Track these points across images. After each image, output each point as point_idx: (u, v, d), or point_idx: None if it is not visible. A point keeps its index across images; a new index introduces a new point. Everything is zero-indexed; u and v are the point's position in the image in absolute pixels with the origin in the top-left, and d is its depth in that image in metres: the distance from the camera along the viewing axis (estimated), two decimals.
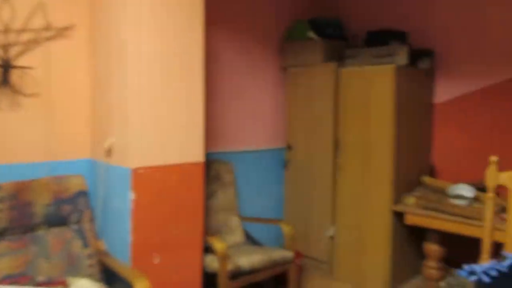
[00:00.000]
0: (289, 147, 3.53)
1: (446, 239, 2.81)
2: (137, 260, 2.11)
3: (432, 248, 2.82)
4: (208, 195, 2.91)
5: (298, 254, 3.02)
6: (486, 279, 1.40)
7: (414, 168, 3.12)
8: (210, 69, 3.02)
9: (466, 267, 1.47)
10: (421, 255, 3.23)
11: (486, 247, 1.74)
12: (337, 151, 3.20)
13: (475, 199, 2.73)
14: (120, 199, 2.17)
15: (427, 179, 3.09)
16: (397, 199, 2.93)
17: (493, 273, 1.41)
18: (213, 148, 3.11)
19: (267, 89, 3.51)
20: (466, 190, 2.78)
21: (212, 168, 2.99)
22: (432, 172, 3.22)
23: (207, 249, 2.52)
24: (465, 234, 2.61)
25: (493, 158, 1.73)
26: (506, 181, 1.70)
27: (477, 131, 3.06)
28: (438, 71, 3.24)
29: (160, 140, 2.20)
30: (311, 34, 3.35)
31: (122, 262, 2.11)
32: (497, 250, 2.79)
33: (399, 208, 2.88)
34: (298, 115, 3.46)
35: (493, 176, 1.73)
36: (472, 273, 1.42)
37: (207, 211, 2.83)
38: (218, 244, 2.43)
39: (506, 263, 1.46)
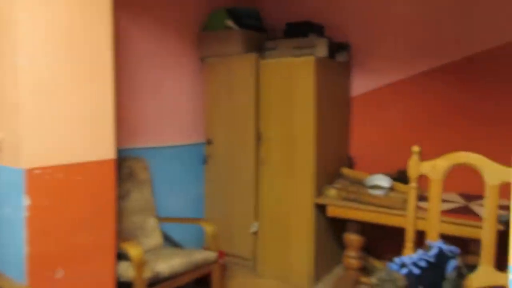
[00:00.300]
0: (208, 142, 3.37)
1: (366, 228, 2.87)
2: (35, 276, 1.80)
3: (352, 238, 2.86)
4: (121, 196, 2.63)
5: (221, 254, 2.88)
6: (416, 271, 1.38)
7: (334, 160, 3.16)
8: (121, 59, 2.73)
9: (396, 259, 1.44)
10: (342, 246, 3.29)
11: (409, 236, 1.75)
12: (259, 145, 3.11)
13: (391, 189, 2.81)
14: (11, 205, 1.83)
15: (346, 171, 3.14)
16: (319, 192, 2.92)
17: (422, 264, 1.40)
18: (127, 144, 2.83)
19: (185, 81, 3.30)
20: (382, 180, 2.87)
21: (125, 165, 2.72)
22: (350, 164, 3.29)
23: (121, 256, 2.27)
24: (382, 223, 2.68)
25: (415, 148, 1.75)
26: (427, 170, 1.72)
27: (390, 123, 3.18)
28: (354, 65, 3.31)
29: (61, 136, 1.90)
30: (230, 23, 3.21)
31: (15, 281, 1.78)
32: (416, 238, 2.94)
33: (321, 200, 2.88)
34: (218, 108, 3.30)
35: (416, 166, 1.74)
36: (402, 265, 1.40)
37: (120, 214, 2.56)
38: (133, 250, 2.20)
39: (432, 252, 1.46)
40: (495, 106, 2.78)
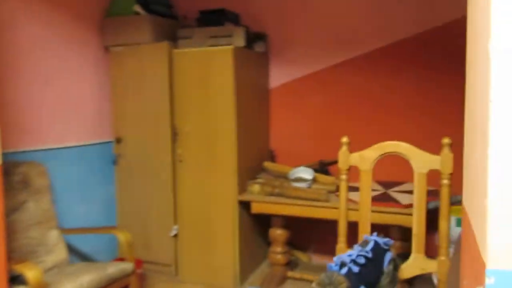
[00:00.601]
0: (118, 140, 3.04)
1: (289, 222, 2.81)
2: None
3: (277, 233, 2.78)
4: (14, 208, 2.23)
5: (138, 263, 2.61)
6: (355, 269, 1.30)
7: (256, 154, 3.04)
8: (4, 46, 2.31)
9: (335, 259, 1.35)
10: (267, 241, 3.20)
11: (342, 229, 1.69)
12: (175, 141, 2.87)
13: (314, 180, 2.78)
14: None
15: (268, 165, 3.04)
16: (242, 188, 2.79)
17: (361, 261, 1.33)
18: (17, 146, 2.41)
19: (87, 72, 2.93)
20: (305, 173, 2.82)
21: (16, 172, 2.31)
22: (272, 157, 3.20)
23: (17, 280, 1.91)
24: (308, 216, 2.63)
25: (344, 139, 1.68)
26: (357, 161, 1.67)
27: (310, 115, 3.15)
28: (272, 55, 3.22)
29: None
30: (138, 8, 2.91)
31: None
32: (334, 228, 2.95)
33: (245, 197, 2.75)
34: (127, 103, 2.99)
35: (345, 157, 1.68)
36: (342, 264, 1.30)
37: (13, 230, 2.17)
38: (30, 272, 1.85)
39: (368, 247, 1.40)
40: (417, 96, 2.86)
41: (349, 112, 3.03)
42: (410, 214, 2.26)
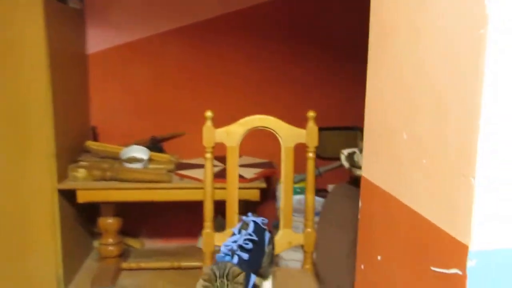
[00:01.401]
0: None
1: (121, 208, 2.50)
2: None
3: (109, 222, 2.44)
4: None
5: None
6: (245, 256, 1.19)
7: (76, 132, 2.57)
8: None
9: (222, 248, 1.21)
10: (91, 232, 2.80)
11: (209, 213, 1.54)
12: None
13: (150, 160, 2.53)
14: None
15: (92, 144, 2.61)
16: (63, 174, 2.30)
17: (249, 246, 1.23)
18: None
19: None
20: (139, 152, 2.53)
21: None
22: (94, 135, 2.76)
23: None
24: (148, 200, 2.38)
25: (209, 113, 1.52)
26: (222, 137, 1.54)
27: (137, 87, 2.83)
28: (89, 15, 2.72)
29: None
30: None
31: None
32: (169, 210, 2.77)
33: (67, 185, 2.29)
34: None
35: (210, 134, 1.52)
36: (232, 253, 1.18)
37: None
38: None
39: (250, 229, 1.31)
40: (275, 69, 2.86)
41: (180, 84, 2.85)
42: (256, 188, 2.32)
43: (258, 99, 2.84)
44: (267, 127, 1.55)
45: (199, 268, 2.56)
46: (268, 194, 2.82)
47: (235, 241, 1.24)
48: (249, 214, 1.40)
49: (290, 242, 1.57)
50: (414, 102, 0.78)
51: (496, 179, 0.59)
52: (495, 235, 0.60)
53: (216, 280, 1.09)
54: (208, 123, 1.53)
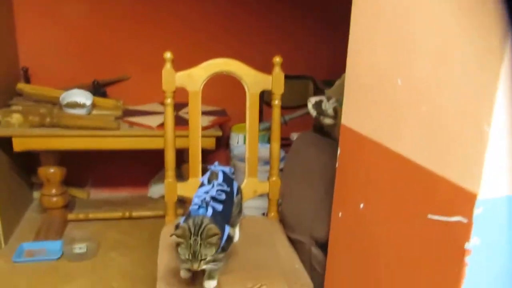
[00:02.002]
0: None
1: (64, 157, 2.32)
2: None
3: (51, 172, 2.26)
4: None
5: None
6: (219, 207, 1.15)
7: (4, 73, 2.28)
8: None
9: (195, 200, 1.15)
10: (30, 183, 2.60)
11: (170, 161, 1.46)
12: None
13: (93, 105, 2.33)
14: None
15: (24, 87, 2.34)
16: None
17: (222, 197, 1.18)
18: None
19: None
20: (81, 96, 2.33)
21: None
22: (26, 77, 2.47)
23: None
24: (94, 148, 2.22)
25: (168, 55, 1.39)
26: (184, 81, 1.42)
27: (75, 22, 2.53)
28: None
29: None
30: None
31: None
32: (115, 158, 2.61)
33: (1, 132, 2.05)
34: None
35: (170, 77, 1.40)
36: (206, 205, 1.13)
37: None
38: None
39: (220, 178, 1.26)
40: (241, 13, 2.66)
41: (120, 23, 2.59)
42: (211, 136, 2.24)
43: (216, 44, 2.68)
44: (231, 72, 1.45)
45: (151, 218, 2.51)
46: (220, 142, 2.76)
47: (206, 192, 1.18)
48: (216, 163, 1.34)
49: (255, 190, 1.54)
50: (412, 41, 0.73)
51: (510, 126, 0.58)
52: (502, 183, 0.60)
53: (190, 238, 1.04)
54: (168, 66, 1.39)
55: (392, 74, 0.80)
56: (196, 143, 1.48)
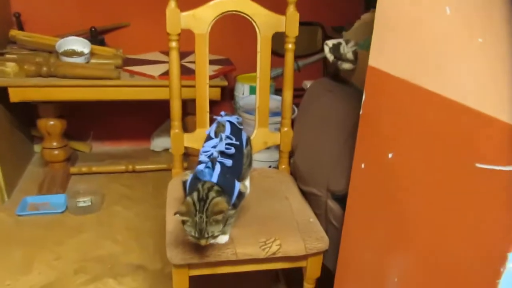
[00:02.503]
0: None
1: (64, 109, 2.22)
2: None
3: (51, 124, 2.18)
4: None
5: None
6: (228, 162, 1.08)
7: None
8: None
9: (202, 157, 1.07)
10: (30, 136, 2.53)
11: (176, 111, 1.37)
12: None
13: (91, 54, 2.21)
14: None
15: (17, 34, 2.21)
16: None
17: (231, 151, 1.10)
18: None
19: None
20: (78, 44, 2.20)
21: None
22: (19, 24, 2.32)
23: None
24: (94, 99, 2.13)
25: None
26: (189, 23, 1.30)
27: None
28: None
29: None
30: None
31: None
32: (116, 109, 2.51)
33: None
34: None
35: (175, 18, 1.27)
36: (213, 160, 1.05)
37: None
38: None
39: (227, 130, 1.17)
40: None
41: None
42: (216, 86, 2.13)
43: None
44: (241, 12, 1.32)
45: (154, 171, 2.45)
46: (225, 94, 2.65)
47: (214, 146, 1.10)
48: (222, 113, 1.24)
49: (265, 142, 1.46)
50: None
51: None
52: None
53: (195, 215, 0.96)
54: (172, 5, 1.27)
55: (439, 1, 0.69)
56: (203, 91, 1.38)
